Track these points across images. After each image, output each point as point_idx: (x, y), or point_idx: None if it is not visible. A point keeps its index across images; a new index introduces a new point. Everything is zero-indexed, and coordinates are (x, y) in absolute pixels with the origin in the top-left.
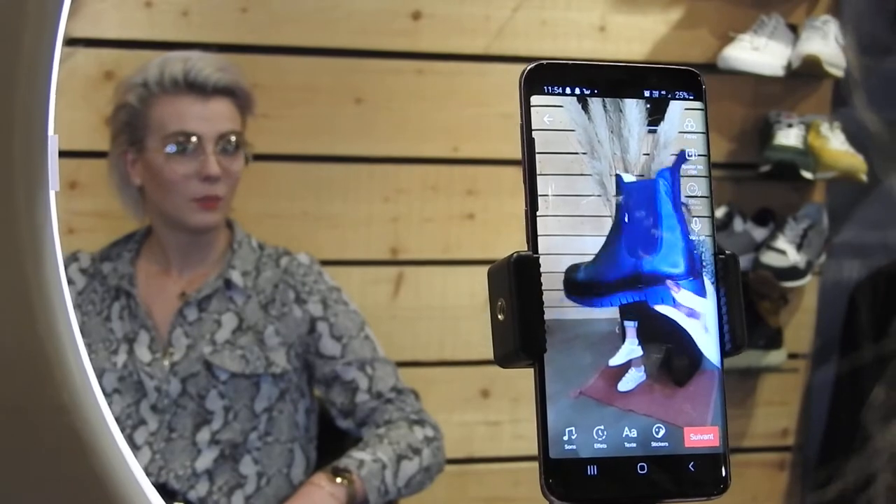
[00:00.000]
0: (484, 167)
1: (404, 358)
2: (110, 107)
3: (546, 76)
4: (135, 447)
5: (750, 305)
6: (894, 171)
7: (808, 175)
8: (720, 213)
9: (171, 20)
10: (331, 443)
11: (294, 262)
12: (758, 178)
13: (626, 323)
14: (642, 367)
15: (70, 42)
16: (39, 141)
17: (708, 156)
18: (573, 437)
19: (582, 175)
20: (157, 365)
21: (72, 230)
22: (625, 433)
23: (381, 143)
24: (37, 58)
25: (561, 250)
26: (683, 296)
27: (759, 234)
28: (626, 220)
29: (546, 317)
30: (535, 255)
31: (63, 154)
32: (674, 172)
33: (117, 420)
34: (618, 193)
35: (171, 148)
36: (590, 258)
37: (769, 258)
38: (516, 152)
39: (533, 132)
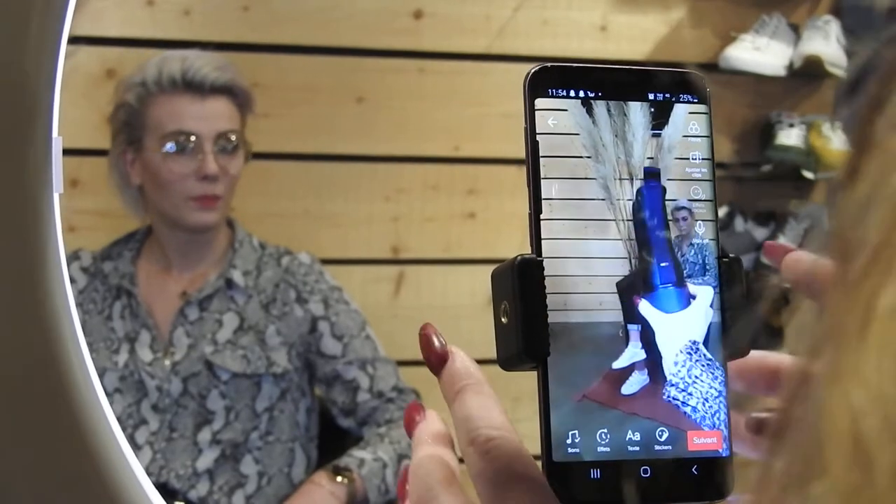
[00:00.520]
0: (485, 166)
1: (405, 357)
2: (111, 106)
3: (550, 79)
4: (136, 447)
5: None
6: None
7: (809, 175)
8: (721, 213)
9: (173, 19)
10: (332, 442)
11: (295, 262)
12: (759, 178)
13: (630, 326)
14: (645, 371)
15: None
16: (44, 143)
17: (712, 159)
18: (576, 441)
19: (586, 179)
20: (158, 364)
21: (73, 228)
22: (628, 436)
23: (383, 142)
24: (41, 60)
25: (565, 254)
26: (688, 298)
27: (761, 233)
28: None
29: (549, 320)
30: (539, 259)
31: (64, 152)
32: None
33: (118, 420)
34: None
35: (169, 147)
36: (592, 263)
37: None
38: (517, 152)
39: (537, 136)
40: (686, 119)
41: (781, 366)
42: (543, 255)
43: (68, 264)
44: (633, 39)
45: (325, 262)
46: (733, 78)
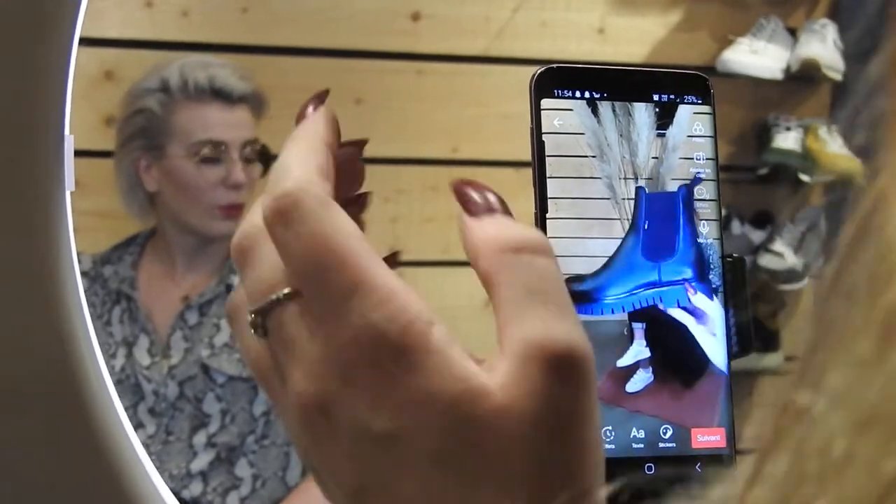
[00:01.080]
0: (483, 168)
1: None
2: (120, 110)
3: (556, 79)
4: None
5: None
6: None
7: (805, 178)
8: None
9: (172, 20)
10: None
11: None
12: (756, 181)
13: (635, 325)
14: (650, 369)
15: None
16: (56, 141)
17: (716, 160)
18: None
19: (591, 178)
20: (155, 368)
21: (73, 229)
22: (632, 434)
23: (381, 143)
24: (53, 59)
25: (570, 252)
26: (694, 298)
27: (757, 236)
28: (646, 227)
29: None
30: (547, 239)
31: None
32: (690, 188)
33: None
34: (637, 203)
35: (195, 156)
36: (598, 261)
37: (767, 261)
38: (516, 153)
39: (543, 135)
40: (690, 120)
41: None
42: None
43: None
44: (630, 42)
45: None
46: (730, 81)
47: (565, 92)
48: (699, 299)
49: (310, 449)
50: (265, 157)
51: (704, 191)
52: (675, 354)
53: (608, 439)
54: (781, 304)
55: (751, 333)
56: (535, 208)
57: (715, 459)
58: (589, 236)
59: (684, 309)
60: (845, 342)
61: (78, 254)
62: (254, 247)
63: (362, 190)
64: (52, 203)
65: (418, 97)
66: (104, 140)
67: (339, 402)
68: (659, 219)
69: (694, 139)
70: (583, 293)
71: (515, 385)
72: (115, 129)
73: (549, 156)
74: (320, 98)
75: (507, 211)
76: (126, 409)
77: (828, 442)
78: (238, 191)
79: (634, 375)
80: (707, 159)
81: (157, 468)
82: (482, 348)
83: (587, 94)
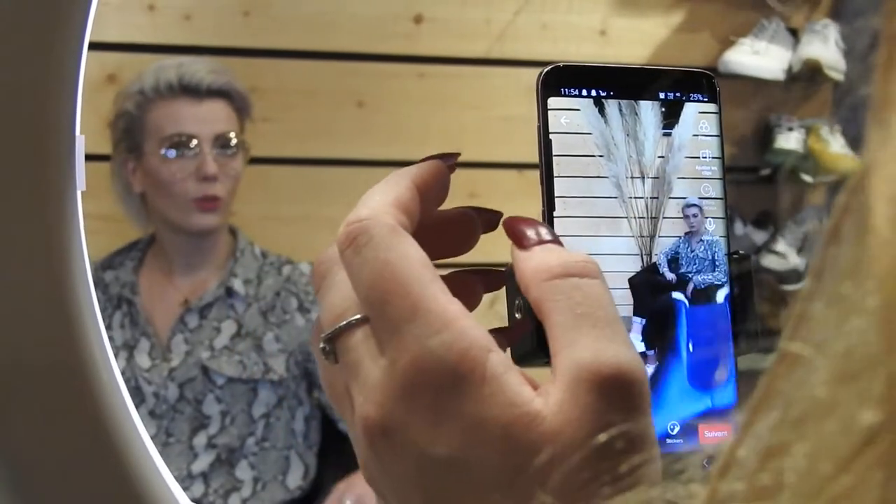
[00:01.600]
0: (485, 170)
1: None
2: (112, 114)
3: (563, 78)
4: None
5: None
6: None
7: (808, 178)
8: None
9: (174, 24)
10: (332, 449)
11: (297, 271)
12: (758, 182)
13: (633, 318)
14: (655, 364)
15: None
16: (67, 141)
17: (722, 158)
18: None
19: (598, 177)
20: (155, 371)
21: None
22: None
23: (382, 146)
24: (65, 60)
25: (577, 250)
26: (700, 295)
27: (760, 237)
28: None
29: None
30: (595, 263)
31: None
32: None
33: None
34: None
35: (169, 151)
36: (604, 260)
37: (769, 261)
38: (517, 156)
39: (550, 134)
40: (696, 118)
41: None
42: None
43: None
44: (632, 43)
45: None
46: (732, 82)
47: (572, 91)
48: (705, 295)
49: (376, 471)
50: (239, 151)
51: (711, 188)
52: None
53: None
54: (784, 304)
55: (757, 329)
56: (543, 207)
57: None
58: (596, 235)
59: (691, 306)
60: (832, 286)
61: None
62: (327, 275)
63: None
64: (65, 202)
65: (420, 100)
66: (106, 144)
67: (400, 427)
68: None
69: (700, 138)
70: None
71: (568, 409)
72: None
73: (556, 155)
74: (444, 155)
75: (557, 241)
76: None
77: (811, 389)
78: (210, 182)
79: None
80: (713, 157)
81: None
82: None
83: (594, 93)
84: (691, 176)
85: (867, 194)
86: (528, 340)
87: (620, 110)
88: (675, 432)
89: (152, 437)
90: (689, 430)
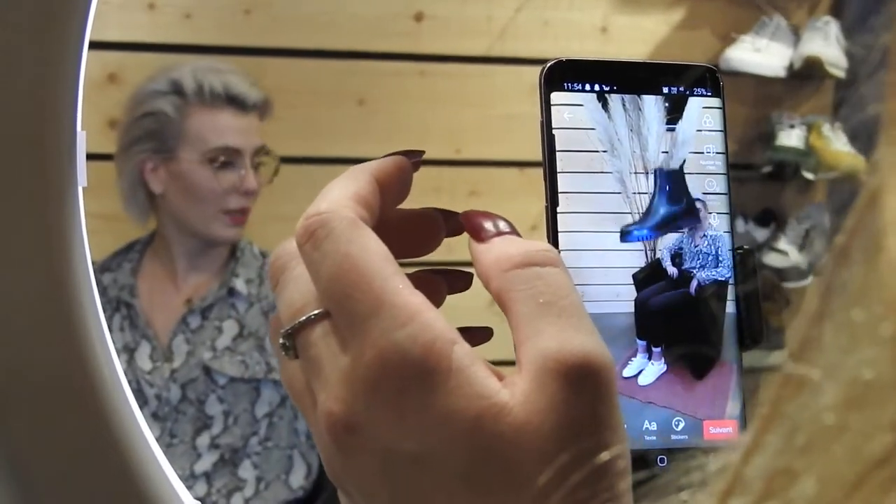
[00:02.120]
0: (486, 169)
1: None
2: (125, 112)
3: (566, 73)
4: None
5: None
6: None
7: (809, 176)
8: None
9: (174, 22)
10: None
11: None
12: (760, 179)
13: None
14: (661, 360)
15: None
16: (69, 137)
17: (726, 153)
18: None
19: (602, 173)
20: (157, 373)
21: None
22: (644, 426)
23: (384, 144)
24: (66, 56)
25: (581, 246)
26: (705, 290)
27: (761, 234)
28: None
29: None
30: (556, 251)
31: None
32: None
33: None
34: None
35: (215, 162)
36: (608, 256)
37: (771, 259)
38: (519, 154)
39: (553, 130)
40: (700, 113)
41: None
42: (560, 248)
43: None
44: (633, 41)
45: None
46: (734, 79)
47: (575, 86)
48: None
49: (340, 467)
50: (275, 163)
51: (714, 184)
52: (686, 346)
53: None
54: (786, 302)
55: (761, 324)
56: (546, 202)
57: (727, 451)
58: (600, 230)
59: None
60: (843, 312)
61: None
62: (284, 270)
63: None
64: (66, 198)
65: (421, 98)
66: (107, 143)
67: (365, 423)
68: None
69: (704, 132)
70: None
71: (535, 399)
72: (118, 131)
73: (559, 150)
74: (408, 152)
75: (515, 232)
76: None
77: (819, 413)
78: (250, 197)
79: (646, 367)
80: (717, 153)
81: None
82: (485, 349)
83: (597, 88)
84: (695, 171)
85: (879, 216)
86: None
87: (624, 105)
88: (679, 428)
89: (156, 439)
90: (693, 425)
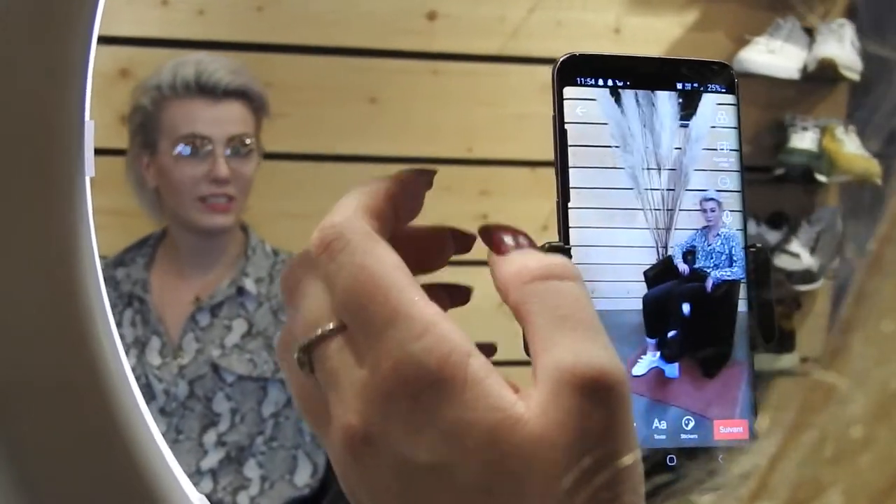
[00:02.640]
0: (498, 168)
1: None
2: (128, 107)
3: (579, 68)
4: None
5: None
6: None
7: (822, 178)
8: None
9: (187, 18)
10: None
11: None
12: (772, 182)
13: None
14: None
15: None
16: (77, 126)
17: (740, 150)
18: None
19: (614, 168)
20: (166, 368)
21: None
22: (654, 425)
23: (395, 142)
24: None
25: (592, 242)
26: (717, 289)
27: (773, 237)
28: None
29: None
30: (567, 247)
31: None
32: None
33: None
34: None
35: (181, 150)
36: (619, 252)
37: (783, 261)
38: (531, 153)
39: (566, 124)
40: (714, 109)
41: None
42: (571, 244)
43: None
44: (647, 42)
45: None
46: (747, 81)
47: (588, 80)
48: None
49: (356, 481)
50: (253, 151)
51: (728, 181)
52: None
53: None
54: (797, 304)
55: (773, 323)
56: (557, 198)
57: (738, 451)
58: (611, 226)
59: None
60: (873, 322)
61: None
62: (298, 285)
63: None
64: (74, 188)
65: (433, 97)
66: (119, 138)
67: (382, 434)
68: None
69: (718, 129)
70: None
71: (550, 412)
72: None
73: (571, 145)
74: (420, 170)
75: (534, 245)
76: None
77: (848, 425)
78: (222, 185)
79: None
80: (731, 150)
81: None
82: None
83: (610, 83)
84: (708, 168)
85: None
86: None
87: (637, 100)
88: (689, 427)
89: (162, 435)
90: (703, 425)
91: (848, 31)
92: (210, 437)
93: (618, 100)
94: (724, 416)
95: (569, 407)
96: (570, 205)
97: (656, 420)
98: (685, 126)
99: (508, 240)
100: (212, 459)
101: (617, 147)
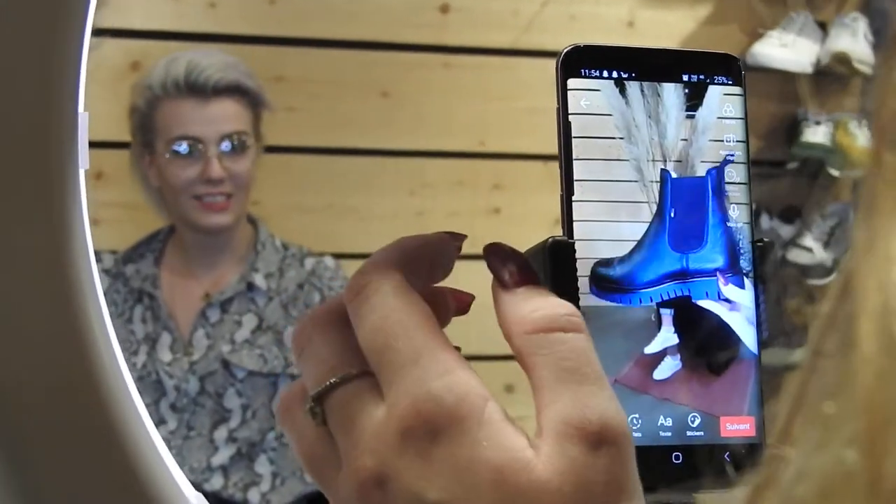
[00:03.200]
0: (510, 162)
1: None
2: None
3: (583, 59)
4: None
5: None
6: None
7: (835, 173)
8: None
9: (199, 11)
10: None
11: (321, 265)
12: (785, 176)
13: (663, 311)
14: (678, 356)
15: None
16: (70, 118)
17: (747, 142)
18: None
19: (619, 160)
20: (176, 364)
21: (97, 221)
22: (660, 422)
23: (407, 136)
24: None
25: (596, 236)
26: (725, 289)
27: (786, 231)
28: (672, 215)
29: (581, 303)
30: (571, 241)
31: (89, 145)
32: (720, 171)
33: None
34: (662, 188)
35: (173, 151)
36: (624, 245)
37: (795, 255)
38: (543, 147)
39: (569, 116)
40: (721, 101)
41: None
42: (575, 237)
43: None
44: (659, 36)
45: (349, 256)
46: (759, 75)
47: (592, 72)
48: (730, 290)
49: None
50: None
51: (735, 174)
52: (704, 341)
53: (635, 427)
54: (810, 299)
55: (781, 318)
56: (561, 191)
57: (744, 448)
58: (616, 219)
59: (716, 298)
60: (815, 404)
61: (99, 252)
62: (309, 341)
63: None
64: (68, 180)
65: (445, 90)
66: (129, 132)
67: (395, 474)
68: (686, 206)
69: (724, 121)
70: (611, 280)
71: (557, 461)
72: None
73: (575, 137)
74: (453, 234)
75: (536, 279)
76: (147, 405)
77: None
78: (216, 185)
79: (662, 362)
80: (737, 141)
81: (178, 463)
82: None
83: (615, 74)
84: (715, 160)
85: (853, 306)
86: None
87: (642, 92)
88: (695, 424)
89: (173, 431)
90: (709, 422)
91: (861, 25)
92: (221, 433)
93: (622, 91)
94: (731, 412)
95: (574, 458)
96: (573, 198)
97: (661, 417)
98: (691, 117)
99: (513, 275)
100: (223, 455)
101: (621, 138)
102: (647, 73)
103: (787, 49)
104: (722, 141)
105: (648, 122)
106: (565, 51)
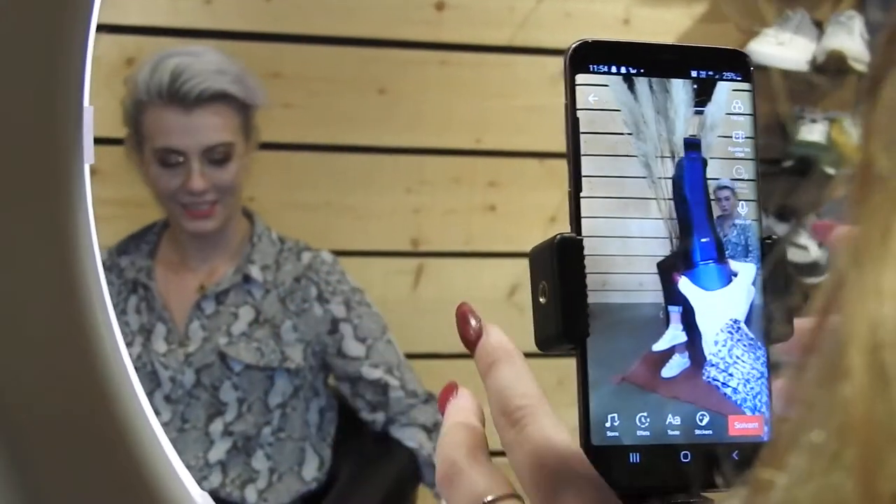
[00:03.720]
0: (507, 159)
1: (424, 349)
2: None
3: (592, 54)
4: None
5: None
6: None
7: (830, 171)
8: None
9: (195, 7)
10: (348, 439)
11: (318, 259)
12: (780, 174)
13: (671, 308)
14: (686, 354)
15: None
16: (75, 112)
17: (755, 138)
18: (616, 424)
19: (627, 156)
20: (172, 356)
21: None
22: (668, 420)
23: (404, 133)
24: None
25: (605, 233)
26: (730, 276)
27: (781, 229)
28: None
29: (589, 300)
30: (579, 237)
31: None
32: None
33: None
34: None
35: (158, 161)
36: (631, 242)
37: (791, 254)
38: (539, 144)
39: (578, 112)
40: (729, 97)
41: None
42: (583, 234)
43: None
44: (655, 33)
45: (345, 253)
46: (756, 72)
47: (601, 67)
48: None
49: None
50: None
51: (743, 170)
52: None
53: (643, 426)
54: (805, 297)
55: (790, 316)
56: (569, 187)
57: (752, 447)
58: (624, 216)
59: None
60: (805, 432)
61: None
62: (458, 473)
63: None
64: (73, 174)
65: (442, 87)
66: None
67: None
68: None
69: (733, 117)
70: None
71: None
72: None
73: (583, 133)
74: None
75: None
76: None
77: None
78: (199, 196)
79: (670, 360)
80: (746, 138)
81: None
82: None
83: (623, 70)
84: (723, 156)
85: (843, 337)
86: (552, 325)
87: (651, 87)
88: (703, 423)
89: (167, 423)
90: (717, 421)
91: (857, 23)
92: (217, 427)
93: (631, 86)
94: (739, 411)
95: None
96: (581, 194)
97: (669, 415)
98: (700, 113)
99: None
100: (219, 450)
101: (630, 134)
102: (656, 69)
103: (783, 47)
104: (730, 137)
105: (657, 117)
106: (573, 46)
